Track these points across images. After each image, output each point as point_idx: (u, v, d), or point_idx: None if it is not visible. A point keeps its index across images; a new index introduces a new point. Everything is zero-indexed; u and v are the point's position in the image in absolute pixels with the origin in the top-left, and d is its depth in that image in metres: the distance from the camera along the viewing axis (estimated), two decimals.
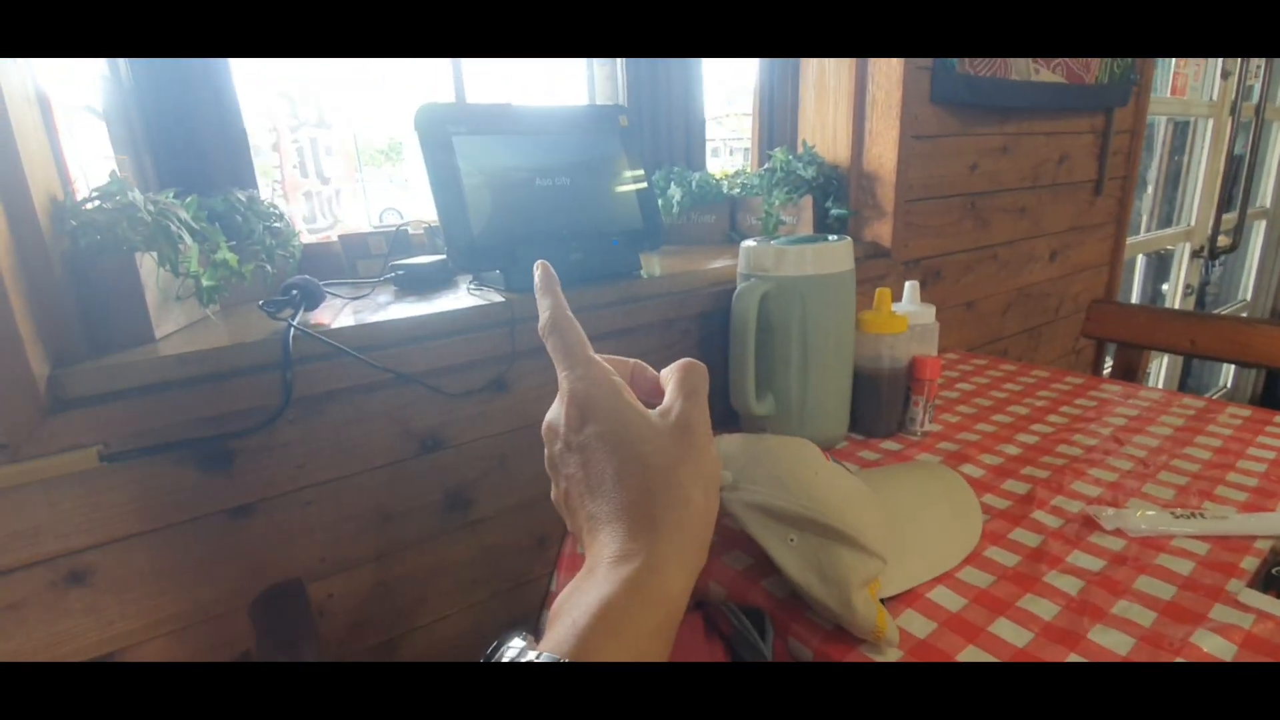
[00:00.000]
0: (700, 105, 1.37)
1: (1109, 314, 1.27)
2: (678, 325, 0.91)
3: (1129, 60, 1.49)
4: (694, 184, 1.25)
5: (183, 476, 0.62)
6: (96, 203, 0.65)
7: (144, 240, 0.65)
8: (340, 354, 0.64)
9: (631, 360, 0.46)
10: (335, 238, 1.04)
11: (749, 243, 0.84)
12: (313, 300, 0.73)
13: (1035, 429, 0.90)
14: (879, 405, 0.88)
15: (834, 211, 1.13)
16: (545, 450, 0.40)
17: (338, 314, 0.75)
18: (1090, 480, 0.74)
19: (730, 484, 0.56)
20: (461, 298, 0.82)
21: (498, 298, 0.78)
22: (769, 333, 0.82)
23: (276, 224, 0.93)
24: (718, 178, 1.28)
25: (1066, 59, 1.32)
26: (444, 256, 0.92)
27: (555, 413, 0.40)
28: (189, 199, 0.76)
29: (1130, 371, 1.25)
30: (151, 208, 0.67)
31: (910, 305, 0.92)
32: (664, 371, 0.42)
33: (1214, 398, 2.88)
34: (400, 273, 0.90)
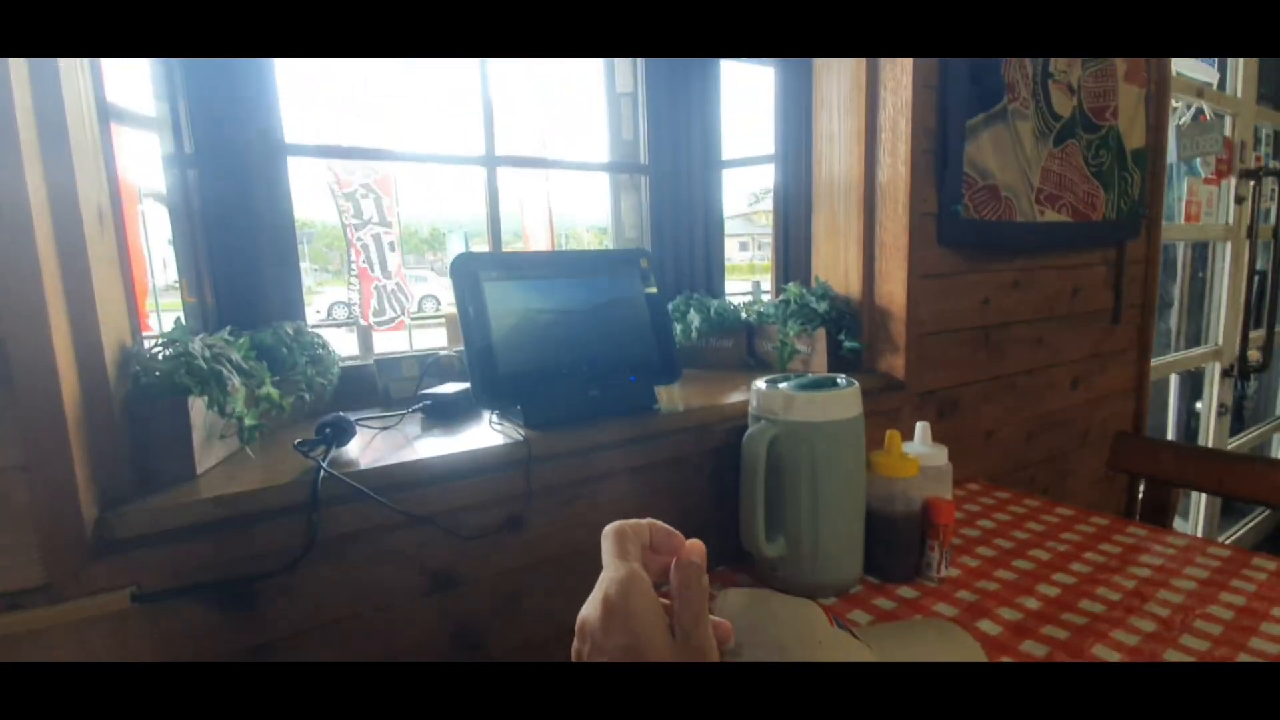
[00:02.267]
0: (720, 235, 1.46)
1: (1134, 449, 1.25)
2: (690, 461, 0.93)
3: (1135, 196, 1.55)
4: (712, 310, 1.31)
5: (208, 616, 0.64)
6: (159, 350, 0.72)
7: (198, 384, 0.71)
8: (363, 497, 0.67)
9: (646, 522, 0.47)
10: (372, 361, 1.11)
11: (759, 385, 0.88)
12: (343, 437, 0.77)
13: (1057, 578, 0.87)
14: (894, 549, 0.88)
15: (847, 344, 1.16)
16: (574, 643, 0.41)
17: (367, 446, 0.79)
18: (1111, 644, 0.72)
19: (733, 649, 0.56)
20: (483, 432, 0.86)
21: (517, 434, 0.82)
22: (779, 475, 0.83)
23: (319, 351, 1.00)
24: (735, 305, 1.33)
25: (1071, 200, 1.38)
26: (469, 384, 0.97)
27: (590, 611, 0.40)
28: (241, 339, 0.83)
29: (1161, 509, 1.21)
30: (207, 353, 0.74)
31: (922, 446, 0.93)
32: (673, 567, 0.43)
33: (1256, 520, 2.73)
34: (428, 403, 0.95)
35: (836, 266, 1.22)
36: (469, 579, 0.77)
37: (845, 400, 0.83)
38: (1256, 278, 2.38)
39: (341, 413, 0.79)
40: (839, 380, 0.87)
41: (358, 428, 0.88)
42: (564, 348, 0.92)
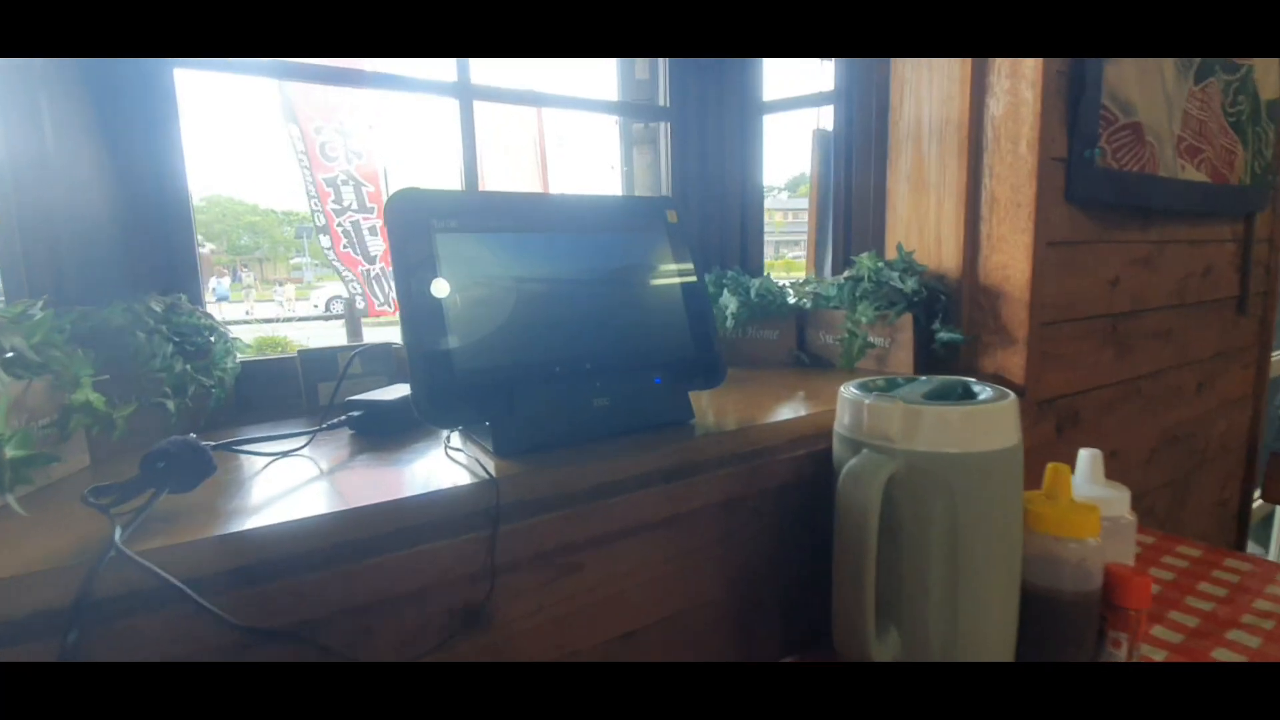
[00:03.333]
0: (758, 191, 1.15)
1: None
2: (745, 506, 0.63)
3: (1268, 158, 1.25)
4: (753, 292, 1.01)
5: None
6: None
7: None
8: (179, 599, 0.37)
9: None
10: (296, 353, 0.80)
11: (854, 392, 0.57)
12: (186, 476, 0.46)
13: None
14: (1060, 644, 0.57)
15: (942, 335, 0.86)
16: None
17: (238, 491, 0.49)
18: None
19: None
20: (435, 461, 0.55)
21: (481, 468, 0.52)
22: (893, 536, 0.53)
23: (206, 338, 0.70)
24: (782, 285, 1.03)
25: (1210, 155, 1.08)
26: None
27: None
28: (40, 316, 0.52)
29: None
30: None
31: (1092, 486, 0.63)
32: None
33: None
34: (356, 413, 0.64)
35: (924, 232, 0.91)
36: None
37: (999, 420, 0.53)
38: None
39: (194, 435, 0.48)
40: (980, 389, 0.57)
41: (247, 454, 0.57)
42: (557, 335, 0.61)
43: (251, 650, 0.39)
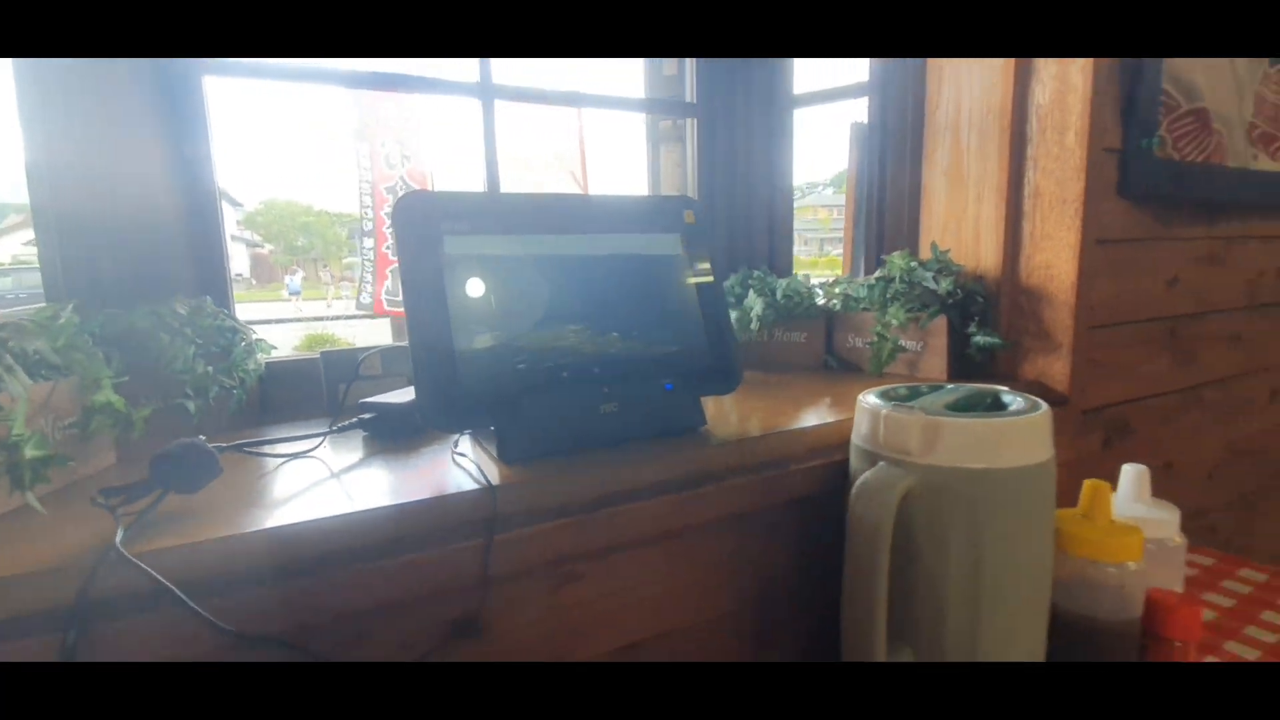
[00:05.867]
0: (788, 189, 1.12)
1: None
2: (759, 521, 0.60)
3: None
4: (780, 293, 0.98)
5: None
6: None
7: None
8: (177, 602, 0.37)
9: None
10: (318, 354, 0.82)
11: (872, 400, 0.54)
12: (191, 480, 0.47)
13: None
14: None
15: (978, 339, 0.81)
16: None
17: (245, 492, 0.50)
18: None
19: None
20: (439, 467, 0.55)
21: (482, 474, 0.51)
22: (910, 553, 0.50)
23: (234, 340, 0.72)
24: (810, 286, 1.00)
25: None
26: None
27: None
28: (63, 319, 0.54)
29: None
30: None
31: (1136, 505, 0.58)
32: None
33: None
34: (368, 415, 0.65)
35: (962, 230, 0.87)
36: None
37: (1029, 433, 0.49)
38: None
39: (203, 437, 0.49)
40: (1011, 399, 0.53)
41: (258, 455, 0.59)
42: (565, 339, 0.60)
43: (244, 654, 0.39)
